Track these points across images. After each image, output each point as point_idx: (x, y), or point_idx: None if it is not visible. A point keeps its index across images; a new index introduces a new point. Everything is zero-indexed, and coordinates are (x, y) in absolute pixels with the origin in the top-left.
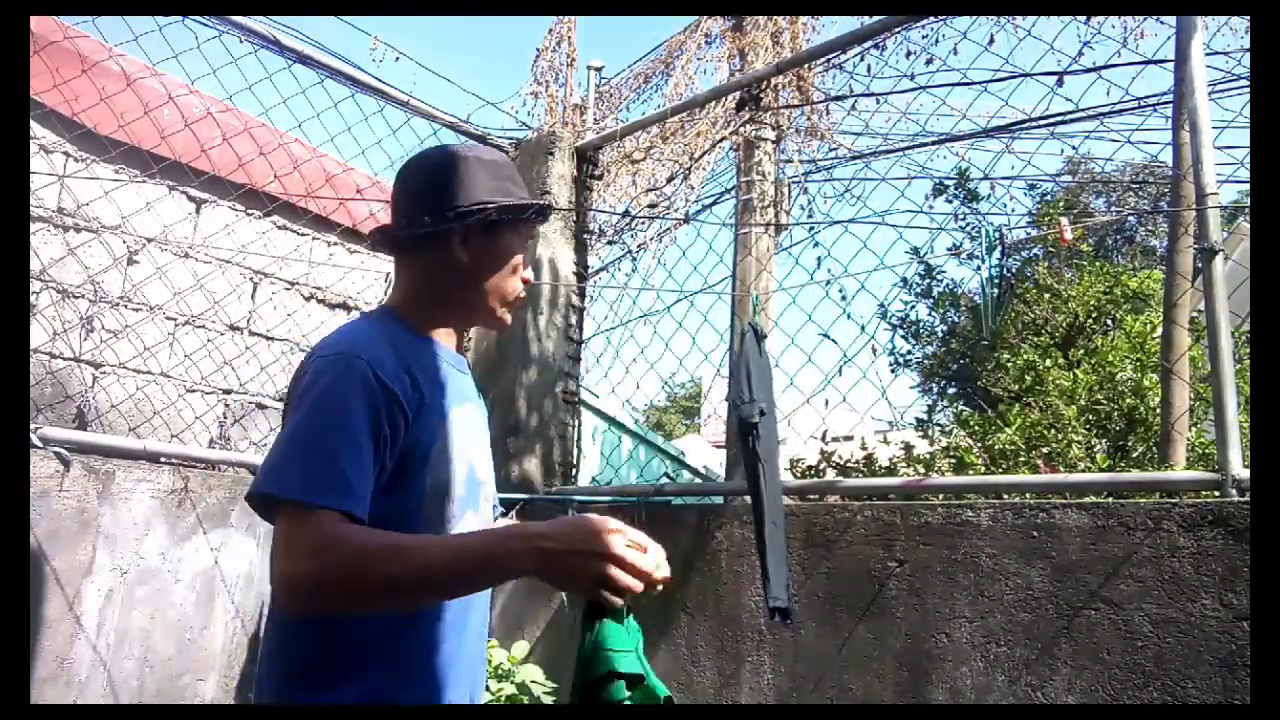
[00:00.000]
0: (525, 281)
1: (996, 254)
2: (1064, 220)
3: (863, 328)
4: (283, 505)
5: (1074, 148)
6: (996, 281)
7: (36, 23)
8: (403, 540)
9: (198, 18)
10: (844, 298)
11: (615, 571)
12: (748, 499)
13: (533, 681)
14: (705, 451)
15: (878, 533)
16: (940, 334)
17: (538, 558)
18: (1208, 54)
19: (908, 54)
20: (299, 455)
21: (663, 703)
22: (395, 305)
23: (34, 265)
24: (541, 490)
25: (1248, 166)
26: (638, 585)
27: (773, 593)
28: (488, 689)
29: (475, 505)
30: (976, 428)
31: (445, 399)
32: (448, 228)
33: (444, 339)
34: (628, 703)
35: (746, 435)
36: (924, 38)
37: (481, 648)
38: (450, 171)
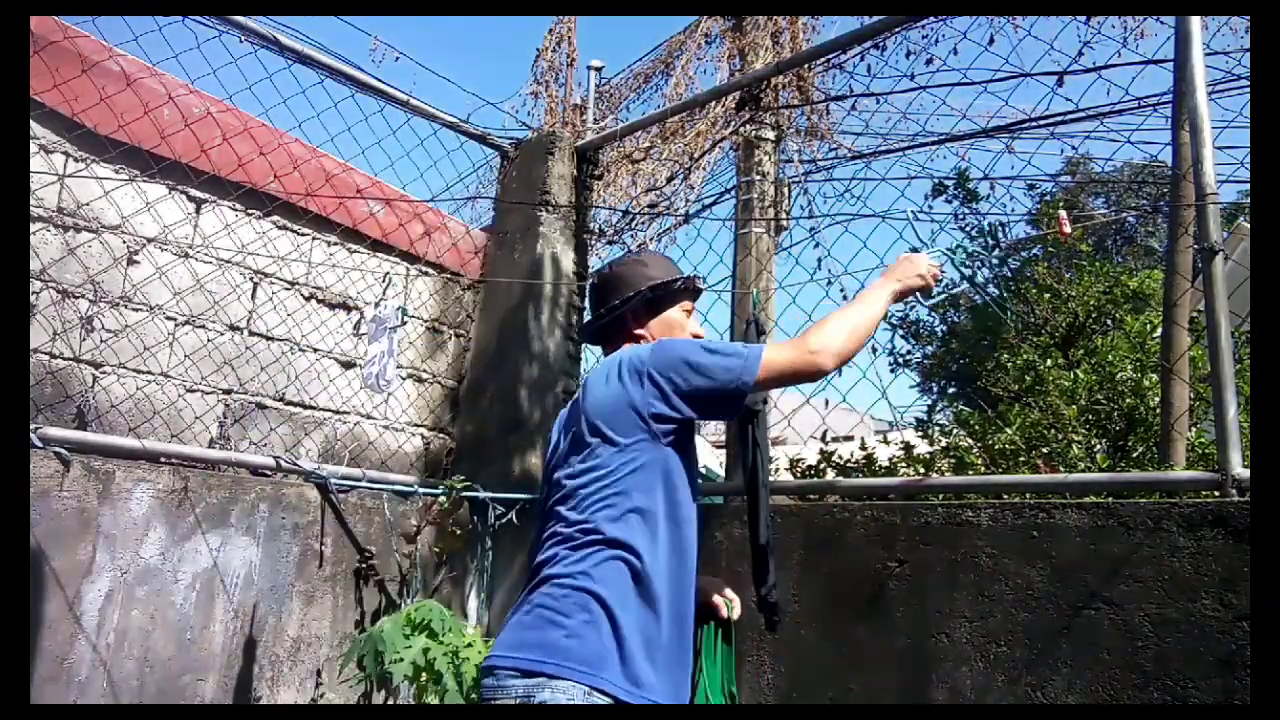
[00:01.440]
0: (694, 334)
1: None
2: (1062, 214)
3: None
4: (761, 357)
5: (1074, 148)
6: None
7: (36, 23)
8: (834, 314)
9: (198, 18)
10: (845, 297)
11: (929, 279)
12: (746, 498)
13: None
14: (705, 451)
15: (878, 533)
16: (940, 334)
17: (896, 284)
18: (1208, 54)
19: (908, 54)
20: (730, 358)
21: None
22: None
23: (34, 265)
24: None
25: (1248, 166)
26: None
27: (770, 584)
28: None
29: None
30: (976, 428)
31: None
32: (622, 311)
33: None
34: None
35: (747, 424)
36: (924, 38)
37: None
38: (619, 275)
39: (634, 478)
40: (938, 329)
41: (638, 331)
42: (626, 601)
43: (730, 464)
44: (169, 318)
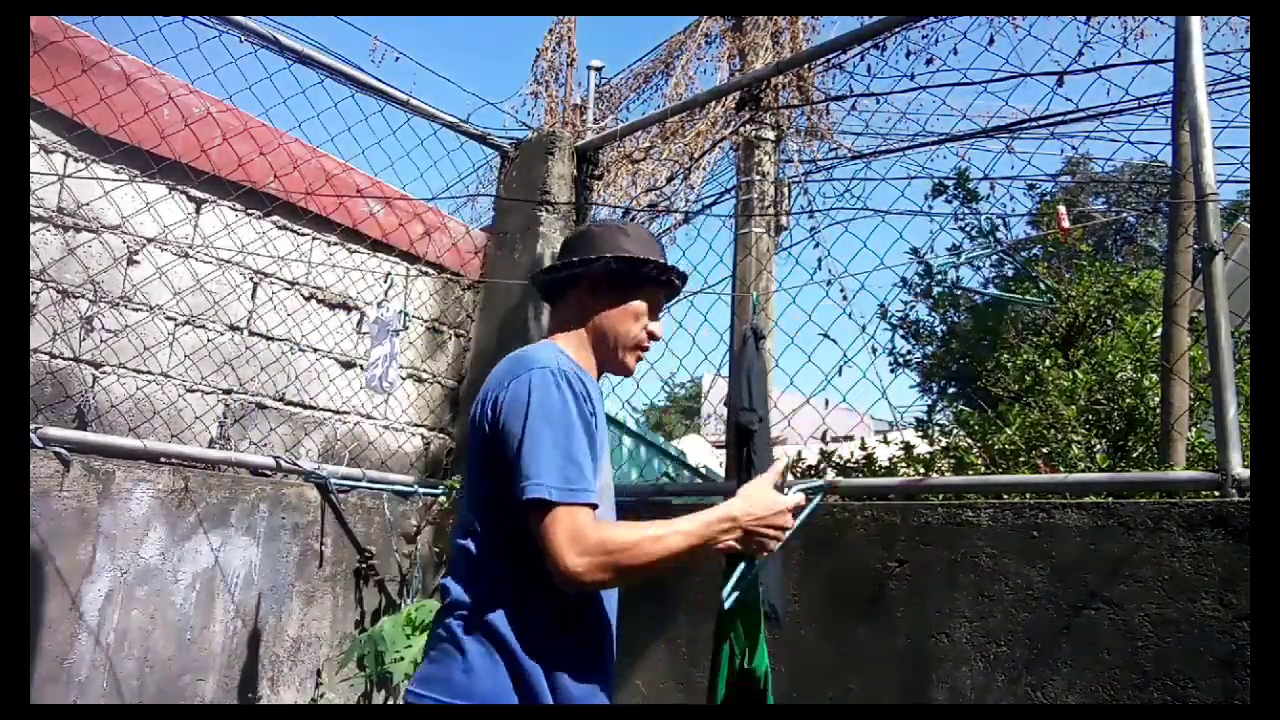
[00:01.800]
0: (652, 335)
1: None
2: (1062, 210)
3: (863, 328)
4: (551, 507)
5: (1074, 148)
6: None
7: (36, 23)
8: (648, 529)
9: (198, 18)
10: (844, 297)
11: (780, 537)
12: None
13: None
14: (705, 451)
15: (878, 533)
16: (940, 334)
17: (740, 538)
18: (1208, 54)
19: (908, 54)
20: (552, 463)
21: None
22: (555, 339)
23: (34, 265)
24: None
25: (1248, 166)
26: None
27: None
28: None
29: (611, 507)
30: (976, 428)
31: (604, 429)
32: (578, 273)
33: (589, 371)
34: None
35: (743, 443)
36: (924, 38)
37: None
38: (593, 234)
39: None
40: (938, 329)
41: (588, 304)
42: (528, 630)
43: (728, 477)
44: (169, 318)
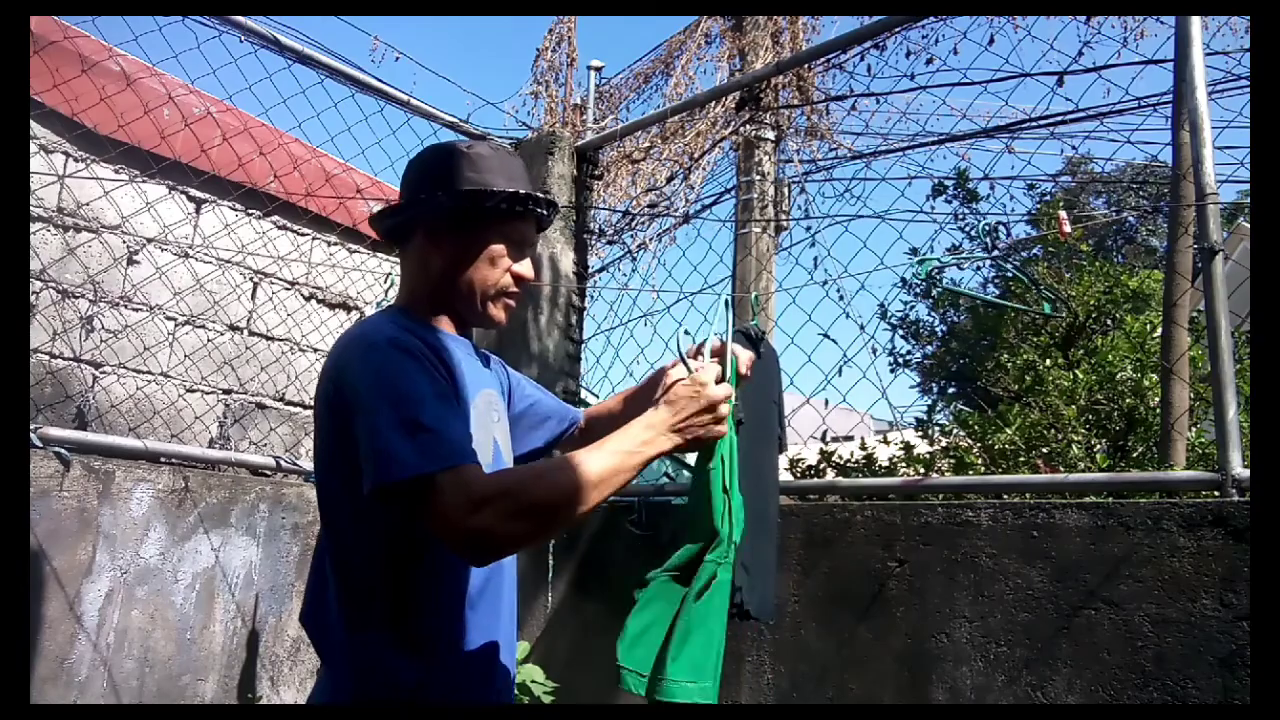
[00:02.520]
0: (517, 276)
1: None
2: (1062, 214)
3: (862, 328)
4: (415, 484)
5: (1074, 148)
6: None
7: (36, 23)
8: (553, 461)
9: (198, 18)
10: (843, 298)
11: (721, 415)
12: None
13: (533, 681)
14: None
15: (878, 533)
16: (940, 334)
17: (671, 441)
18: (1208, 54)
19: (908, 54)
20: (403, 438)
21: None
22: (400, 302)
23: (34, 265)
24: None
25: (1248, 166)
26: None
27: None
28: None
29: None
30: (976, 428)
31: (463, 383)
32: (412, 216)
33: (447, 328)
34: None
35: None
36: (924, 38)
37: (513, 630)
38: (432, 164)
39: None
40: (938, 329)
41: (431, 252)
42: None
43: None
44: (169, 318)
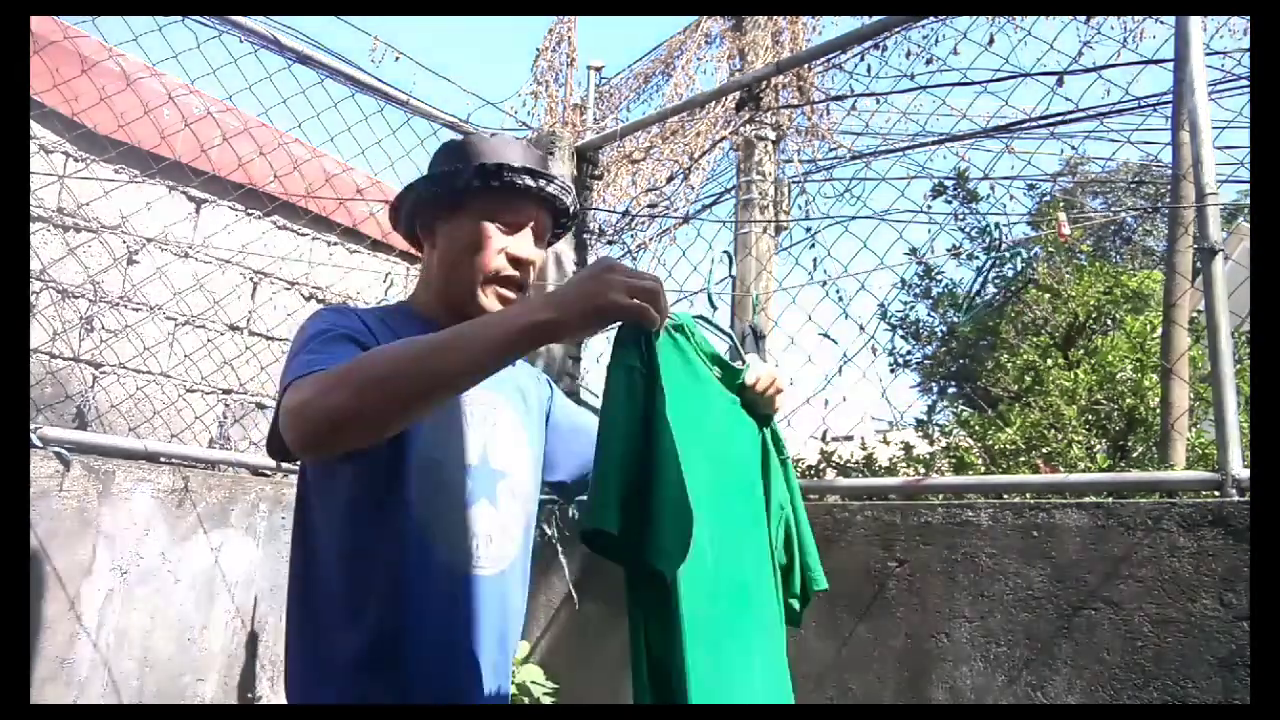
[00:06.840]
0: (514, 258)
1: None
2: (1061, 215)
3: (862, 327)
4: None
5: (1074, 148)
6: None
7: (36, 23)
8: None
9: (198, 18)
10: (842, 298)
11: (631, 283)
12: None
13: (533, 682)
14: None
15: (878, 533)
16: (940, 334)
17: (548, 303)
18: (1208, 54)
19: (908, 54)
20: (294, 365)
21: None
22: (410, 299)
23: (34, 265)
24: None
25: (1248, 166)
26: (656, 296)
27: None
28: None
29: (490, 496)
30: (976, 428)
31: (375, 327)
32: (410, 214)
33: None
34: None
35: None
36: (924, 38)
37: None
38: (433, 161)
39: None
40: (938, 329)
41: (427, 245)
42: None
43: None
44: (169, 318)
